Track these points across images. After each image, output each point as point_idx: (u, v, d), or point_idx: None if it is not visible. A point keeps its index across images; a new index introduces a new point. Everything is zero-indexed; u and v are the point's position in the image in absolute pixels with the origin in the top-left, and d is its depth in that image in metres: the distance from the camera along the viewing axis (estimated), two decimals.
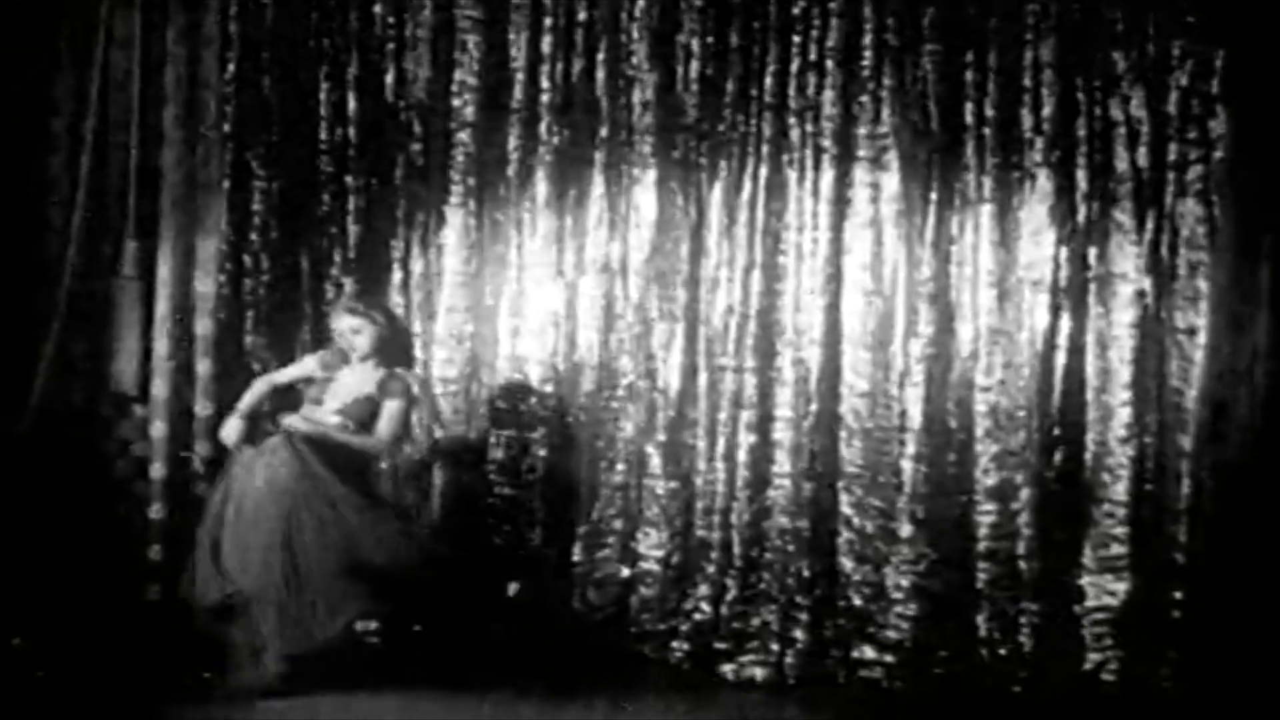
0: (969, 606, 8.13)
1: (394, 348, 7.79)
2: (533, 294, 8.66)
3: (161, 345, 8.61)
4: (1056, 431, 8.09)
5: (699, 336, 8.49)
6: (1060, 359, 8.10)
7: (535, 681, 7.76)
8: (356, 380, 7.66)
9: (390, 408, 7.63)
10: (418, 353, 8.35)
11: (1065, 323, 8.10)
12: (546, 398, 8.63)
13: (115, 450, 8.69)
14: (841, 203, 8.31)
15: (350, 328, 7.62)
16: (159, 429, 8.63)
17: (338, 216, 8.75)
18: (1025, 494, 8.12)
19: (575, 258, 8.60)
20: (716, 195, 8.46)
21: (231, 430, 7.62)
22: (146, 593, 8.43)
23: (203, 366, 8.68)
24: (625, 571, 8.57)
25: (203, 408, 8.68)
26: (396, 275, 8.76)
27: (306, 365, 7.91)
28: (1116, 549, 8.01)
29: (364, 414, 7.66)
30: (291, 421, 7.53)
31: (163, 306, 8.60)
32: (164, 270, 8.62)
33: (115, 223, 8.68)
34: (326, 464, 7.46)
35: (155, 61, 8.60)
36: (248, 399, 7.78)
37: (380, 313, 7.77)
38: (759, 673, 8.27)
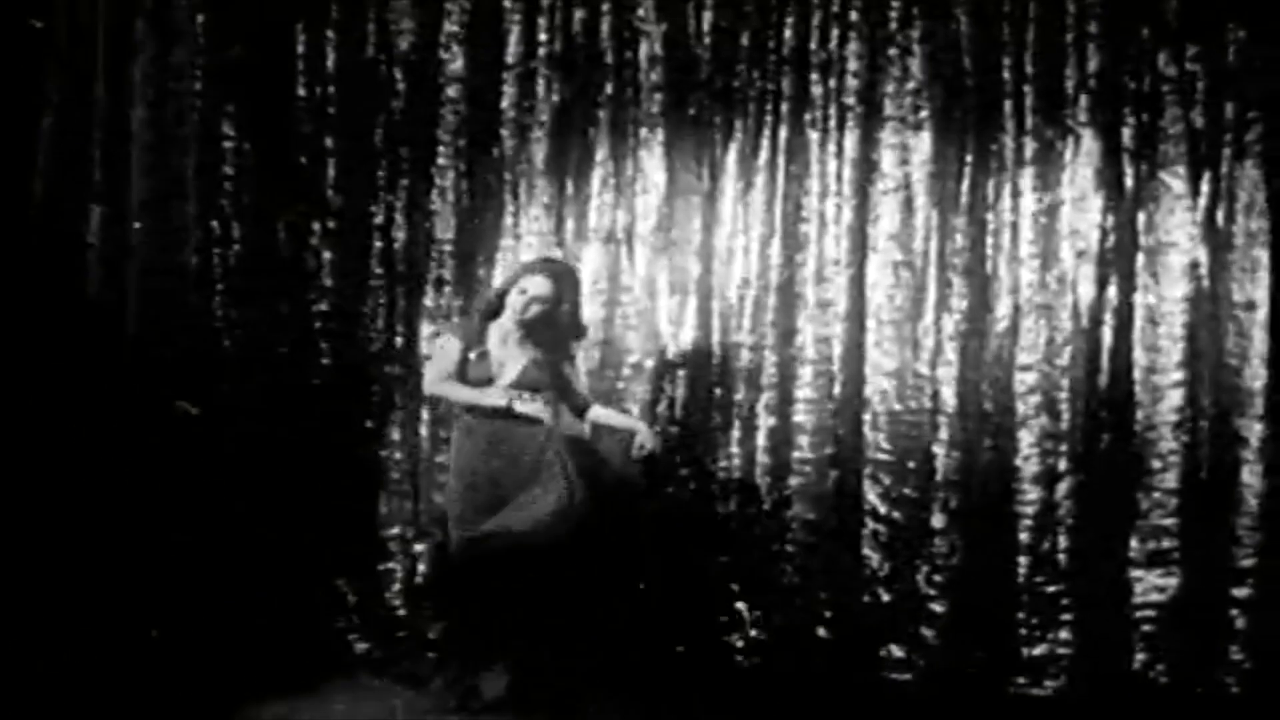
0: (1006, 603, 7.68)
1: (566, 327, 7.18)
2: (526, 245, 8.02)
3: (130, 319, 8.14)
4: (1102, 414, 7.61)
5: (712, 312, 7.97)
6: (1106, 336, 7.65)
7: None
8: (512, 351, 7.03)
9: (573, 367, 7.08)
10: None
11: (1112, 296, 7.63)
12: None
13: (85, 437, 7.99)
14: (868, 166, 7.82)
15: (536, 294, 6.97)
16: None
17: (316, 181, 8.17)
18: (1068, 482, 7.65)
19: (576, 226, 8.04)
20: (731, 158, 7.95)
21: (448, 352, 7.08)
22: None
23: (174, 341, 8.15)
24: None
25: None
26: (379, 244, 8.17)
27: (453, 349, 7.13)
28: (1167, 542, 7.57)
29: (540, 379, 7.04)
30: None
31: (131, 276, 8.14)
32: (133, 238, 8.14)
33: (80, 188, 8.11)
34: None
35: (122, 10, 8.07)
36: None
37: (569, 280, 7.12)
38: (781, 671, 7.83)
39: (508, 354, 6.96)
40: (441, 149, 8.13)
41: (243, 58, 7.81)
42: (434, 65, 8.12)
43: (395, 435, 8.06)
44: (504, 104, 8.10)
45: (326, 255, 8.18)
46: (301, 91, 8.16)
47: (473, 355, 6.95)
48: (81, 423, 7.92)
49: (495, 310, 6.97)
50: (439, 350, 7.08)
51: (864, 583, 7.79)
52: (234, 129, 8.12)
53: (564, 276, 6.99)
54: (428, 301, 8.12)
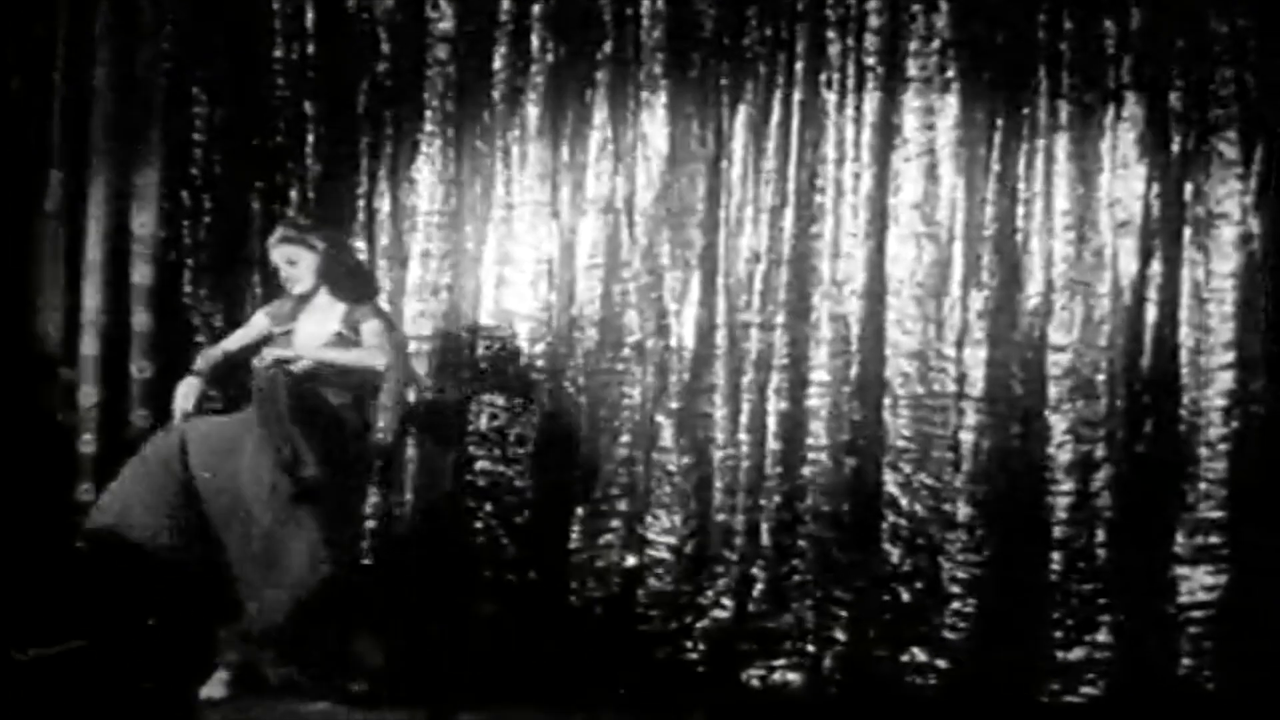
0: (1038, 603, 7.25)
1: (346, 278, 6.87)
2: (522, 237, 7.80)
3: (92, 297, 7.77)
4: (1144, 399, 7.19)
5: (718, 288, 7.62)
6: (1149, 314, 7.20)
7: (525, 691, 6.99)
8: (317, 323, 6.80)
9: (371, 327, 6.74)
10: (384, 304, 7.37)
11: (1156, 271, 7.19)
12: (538, 358, 7.75)
13: (37, 421, 7.81)
14: (889, 131, 7.43)
15: (286, 258, 6.75)
16: (89, 395, 7.80)
17: (293, 148, 7.96)
18: (1106, 472, 7.20)
19: (572, 196, 7.74)
20: (740, 122, 7.59)
21: (188, 392, 6.72)
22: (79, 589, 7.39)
23: (139, 321, 7.85)
24: (630, 560, 7.67)
25: (140, 369, 7.86)
26: (361, 215, 7.92)
27: (257, 324, 6.98)
28: (1215, 537, 7.09)
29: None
30: (275, 354, 6.57)
31: (93, 251, 7.79)
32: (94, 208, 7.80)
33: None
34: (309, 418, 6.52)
35: None
36: (200, 368, 6.86)
37: (318, 236, 6.82)
38: (792, 679, 7.45)
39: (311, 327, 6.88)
40: (428, 113, 7.87)
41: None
42: (420, 23, 7.86)
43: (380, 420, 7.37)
44: (495, 65, 7.82)
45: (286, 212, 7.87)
46: (277, 51, 7.92)
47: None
48: (33, 399, 7.75)
49: None
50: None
51: (882, 581, 7.41)
52: (204, 92, 7.95)
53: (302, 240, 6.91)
54: (412, 277, 7.86)
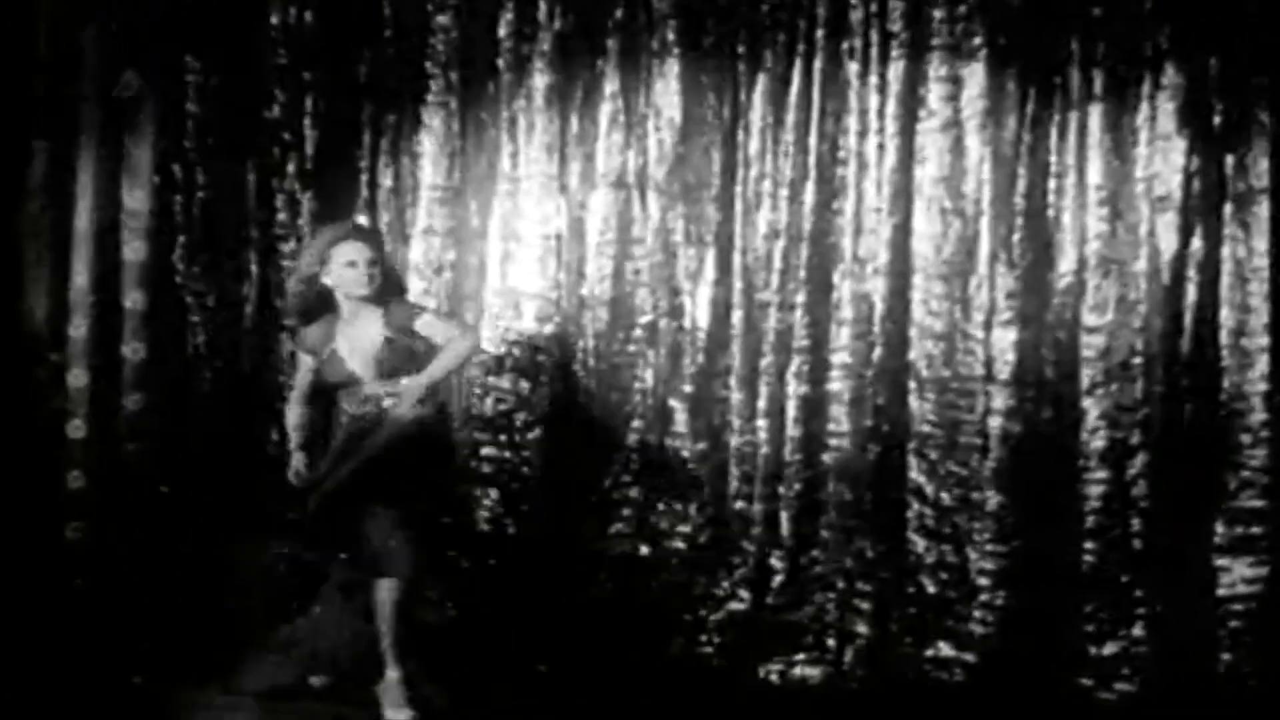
0: (1070, 595, 7.05)
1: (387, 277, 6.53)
2: (529, 213, 7.60)
3: (80, 275, 7.53)
4: (1182, 382, 6.97)
5: (735, 266, 7.43)
6: (1188, 294, 6.98)
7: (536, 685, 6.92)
8: (361, 334, 6.39)
9: (427, 321, 6.35)
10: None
11: (1195, 249, 6.95)
12: (547, 340, 7.57)
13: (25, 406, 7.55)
14: (914, 101, 7.21)
15: (348, 259, 6.32)
16: (78, 377, 7.55)
17: (291, 119, 7.74)
18: (1142, 459, 6.98)
19: (582, 169, 7.55)
20: (758, 92, 7.37)
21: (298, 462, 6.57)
22: (69, 583, 7.43)
23: (130, 300, 7.61)
24: (643, 550, 7.49)
25: (133, 350, 7.62)
26: (363, 190, 7.75)
27: (302, 365, 6.64)
28: (1256, 527, 6.86)
29: (402, 357, 6.36)
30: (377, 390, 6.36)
31: (81, 227, 7.53)
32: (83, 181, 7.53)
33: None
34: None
35: None
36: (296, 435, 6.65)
37: (376, 238, 6.62)
38: (811, 674, 7.23)
39: (355, 340, 6.40)
40: (431, 83, 7.64)
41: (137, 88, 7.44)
42: None
43: None
44: (501, 32, 7.60)
45: (303, 202, 7.75)
46: (275, 17, 7.71)
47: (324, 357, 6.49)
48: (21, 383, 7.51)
49: (319, 301, 6.45)
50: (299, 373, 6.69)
51: (907, 572, 7.23)
52: (198, 60, 7.69)
53: (372, 235, 6.64)
54: (415, 254, 7.67)
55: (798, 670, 7.26)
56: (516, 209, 7.60)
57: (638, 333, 7.54)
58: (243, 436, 7.67)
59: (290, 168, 7.71)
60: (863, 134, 7.30)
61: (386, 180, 7.71)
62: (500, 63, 7.57)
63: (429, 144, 7.64)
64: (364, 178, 7.72)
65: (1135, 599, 6.98)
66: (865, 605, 7.25)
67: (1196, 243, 6.98)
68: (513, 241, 7.64)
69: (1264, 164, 6.86)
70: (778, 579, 7.34)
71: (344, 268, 6.30)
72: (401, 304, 6.40)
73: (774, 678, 7.26)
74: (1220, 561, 6.88)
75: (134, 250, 7.62)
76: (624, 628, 7.38)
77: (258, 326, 7.71)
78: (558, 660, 7.20)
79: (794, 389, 7.35)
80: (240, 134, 7.73)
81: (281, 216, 7.71)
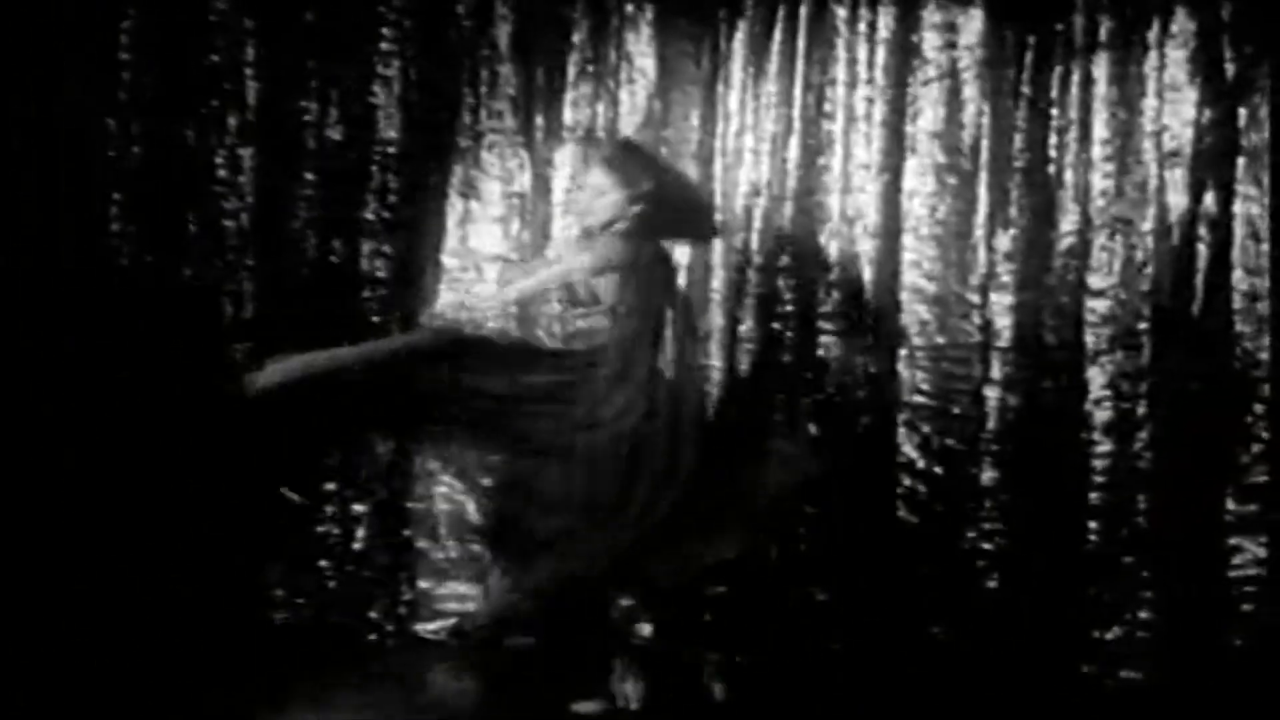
0: (1072, 577, 6.85)
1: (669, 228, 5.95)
2: (490, 170, 7.24)
3: None
4: (1193, 350, 6.83)
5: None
6: (1200, 254, 6.83)
7: None
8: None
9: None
10: None
11: (1208, 206, 6.82)
12: (507, 305, 7.00)
13: None
14: (906, 50, 7.05)
15: (596, 187, 5.84)
16: None
17: (231, 68, 7.26)
18: (1149, 430, 6.81)
19: (548, 124, 7.21)
20: (738, 40, 7.13)
21: None
22: None
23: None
24: None
25: None
26: (310, 144, 7.27)
27: None
28: (1270, 504, 6.70)
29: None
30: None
31: None
32: None
33: None
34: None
35: None
36: None
37: (654, 173, 5.87)
38: (795, 660, 6.92)
39: None
40: (385, 30, 7.23)
41: None
42: None
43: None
44: None
45: (245, 158, 7.28)
46: None
47: None
48: None
49: None
50: None
51: (898, 553, 7.00)
52: (131, 3, 7.23)
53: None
54: (369, 214, 7.24)
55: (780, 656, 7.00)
56: (477, 165, 7.25)
57: None
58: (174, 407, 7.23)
59: (231, 121, 7.26)
60: (851, 85, 7.11)
61: (335, 135, 7.26)
62: (459, 8, 7.23)
63: (382, 96, 7.24)
64: (311, 133, 7.27)
65: (1141, 580, 6.81)
66: (853, 588, 7.01)
67: (1208, 200, 6.85)
68: (473, 200, 7.28)
69: None
70: (758, 559, 6.95)
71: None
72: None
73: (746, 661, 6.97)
74: (1232, 540, 6.73)
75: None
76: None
77: (197, 290, 7.25)
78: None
79: (776, 357, 7.13)
80: (177, 85, 7.29)
81: (222, 174, 7.28)
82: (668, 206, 5.81)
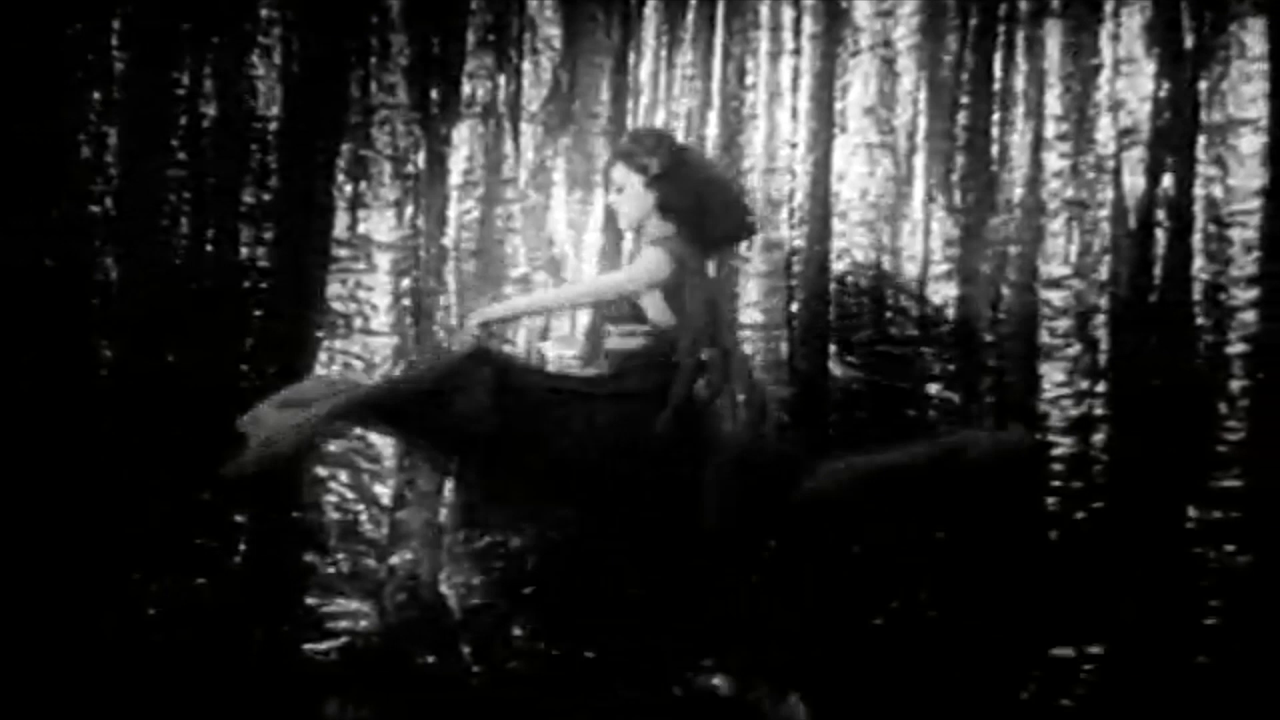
0: (1024, 592, 6.41)
1: (693, 216, 5.38)
2: (382, 148, 6.94)
3: None
4: (1152, 343, 6.44)
5: None
6: (1159, 240, 6.47)
7: None
8: None
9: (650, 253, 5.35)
10: None
11: (1166, 189, 6.46)
12: (402, 296, 6.89)
13: None
14: (835, 17, 6.75)
15: (614, 182, 5.46)
16: None
17: (92, 41, 6.86)
18: (1107, 431, 6.44)
19: (443, 97, 6.92)
20: (650, 5, 6.85)
21: None
22: None
23: None
24: None
25: None
26: (182, 120, 6.88)
27: None
28: (1235, 511, 6.26)
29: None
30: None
31: None
32: None
33: None
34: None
35: None
36: None
37: (648, 153, 5.39)
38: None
39: None
40: None
41: None
42: None
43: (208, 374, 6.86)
44: None
45: (110, 136, 6.87)
46: None
47: None
48: None
49: None
50: None
51: (827, 559, 6.57)
52: None
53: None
54: (248, 197, 6.90)
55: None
56: (368, 143, 6.92)
57: (510, 289, 6.87)
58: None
59: (94, 95, 6.85)
60: (775, 55, 6.80)
61: (211, 110, 6.91)
62: None
63: (262, 68, 6.89)
64: (183, 108, 6.89)
65: (1097, 592, 6.42)
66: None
67: (1166, 182, 6.51)
68: (362, 181, 6.96)
69: (1244, 90, 6.41)
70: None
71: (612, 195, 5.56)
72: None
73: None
74: (1195, 549, 6.36)
75: None
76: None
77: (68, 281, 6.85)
78: None
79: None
80: (34, 56, 6.82)
81: (85, 153, 6.86)
82: (688, 188, 5.38)
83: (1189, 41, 6.45)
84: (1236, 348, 6.36)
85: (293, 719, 6.30)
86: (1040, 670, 6.36)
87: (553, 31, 6.84)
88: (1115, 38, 6.49)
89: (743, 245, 6.41)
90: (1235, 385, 6.31)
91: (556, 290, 5.60)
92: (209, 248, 6.83)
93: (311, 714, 6.24)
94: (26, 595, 6.58)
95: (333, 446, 6.89)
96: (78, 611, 6.58)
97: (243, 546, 6.70)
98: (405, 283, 6.88)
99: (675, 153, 5.43)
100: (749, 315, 6.70)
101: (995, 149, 6.68)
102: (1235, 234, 6.38)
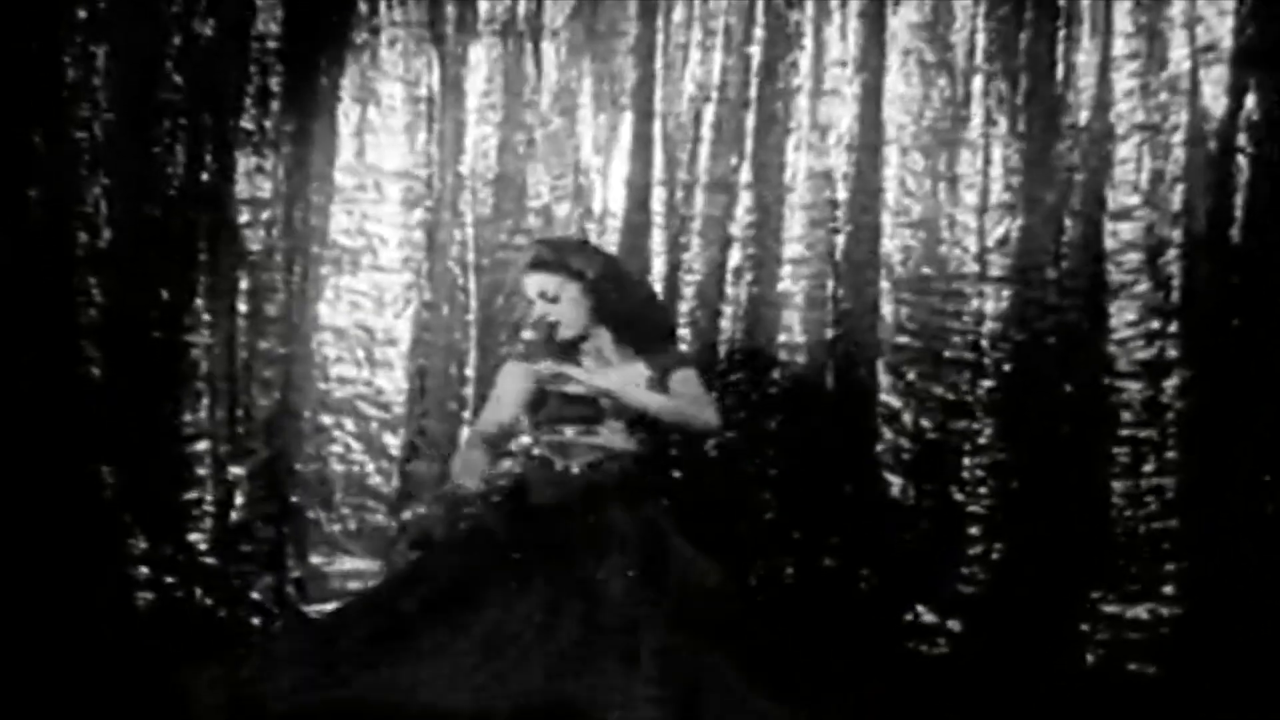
0: (1085, 549, 5.99)
1: (640, 318, 5.21)
2: (392, 70, 6.60)
3: None
4: (1232, 280, 5.94)
5: (655, 135, 6.51)
6: (1239, 167, 5.95)
7: None
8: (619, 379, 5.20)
9: (683, 376, 5.11)
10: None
11: (1249, 110, 5.92)
12: (414, 229, 6.57)
13: None
14: None
15: (539, 290, 5.11)
16: None
17: None
18: (1180, 376, 5.96)
19: (459, 15, 6.59)
20: None
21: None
22: None
23: None
24: None
25: None
26: (175, 40, 6.56)
27: (508, 396, 5.17)
28: None
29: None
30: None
31: None
32: None
33: None
34: None
35: None
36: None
37: (582, 259, 5.13)
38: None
39: None
40: None
41: None
42: None
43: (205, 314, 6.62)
44: None
45: (99, 57, 6.56)
46: None
47: None
48: None
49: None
50: None
51: (880, 520, 6.26)
52: None
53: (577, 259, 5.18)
54: (246, 124, 6.60)
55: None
56: (376, 65, 6.62)
57: (531, 220, 6.55)
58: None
59: (80, 13, 6.56)
60: None
61: (205, 29, 6.59)
62: None
63: None
64: (176, 27, 6.58)
65: (1166, 552, 5.98)
66: (827, 560, 6.25)
67: (1249, 103, 6.01)
68: (371, 105, 6.67)
69: None
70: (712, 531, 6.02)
71: (538, 303, 5.19)
72: (668, 354, 5.27)
73: None
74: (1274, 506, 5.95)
75: None
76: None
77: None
78: None
79: (733, 290, 6.43)
80: None
81: (71, 75, 6.55)
82: (624, 291, 5.14)
83: None
84: None
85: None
86: (1109, 632, 5.97)
87: None
88: None
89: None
90: None
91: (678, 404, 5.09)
92: (204, 178, 6.53)
93: None
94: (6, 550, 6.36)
95: (338, 393, 6.65)
96: (65, 570, 6.32)
97: (240, 500, 6.49)
98: (417, 215, 6.58)
99: (606, 257, 5.25)
100: (791, 250, 6.33)
101: (1060, 69, 6.22)
102: None
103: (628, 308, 5.18)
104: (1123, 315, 6.13)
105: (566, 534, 4.84)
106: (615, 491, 4.91)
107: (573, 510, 4.86)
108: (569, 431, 4.94)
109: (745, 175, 6.42)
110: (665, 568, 4.83)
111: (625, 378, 5.02)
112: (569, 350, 5.09)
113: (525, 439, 5.03)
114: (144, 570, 6.44)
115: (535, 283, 5.09)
